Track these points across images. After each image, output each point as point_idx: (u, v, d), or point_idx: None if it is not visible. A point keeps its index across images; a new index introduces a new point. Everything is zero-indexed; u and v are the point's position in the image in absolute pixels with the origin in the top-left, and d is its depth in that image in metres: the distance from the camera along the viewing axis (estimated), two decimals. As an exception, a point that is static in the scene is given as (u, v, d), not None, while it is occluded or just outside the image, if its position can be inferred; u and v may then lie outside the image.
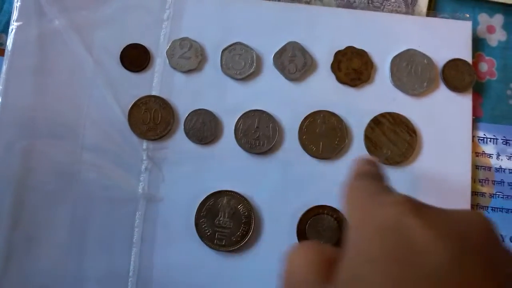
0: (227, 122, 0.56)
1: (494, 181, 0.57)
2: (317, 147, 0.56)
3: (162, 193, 0.55)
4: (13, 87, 0.56)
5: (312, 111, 0.57)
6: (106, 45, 0.57)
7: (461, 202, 0.55)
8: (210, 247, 0.54)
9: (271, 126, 0.56)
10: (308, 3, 0.59)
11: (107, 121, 0.56)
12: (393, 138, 0.56)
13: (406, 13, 0.59)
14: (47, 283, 0.53)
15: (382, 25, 0.59)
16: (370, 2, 0.60)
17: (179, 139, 0.56)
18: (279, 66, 0.57)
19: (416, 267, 0.27)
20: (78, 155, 0.55)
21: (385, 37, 0.59)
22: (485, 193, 0.57)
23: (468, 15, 0.59)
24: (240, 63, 0.57)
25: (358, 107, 0.57)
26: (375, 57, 0.58)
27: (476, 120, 0.58)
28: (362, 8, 0.60)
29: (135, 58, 0.57)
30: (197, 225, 0.54)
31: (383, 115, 0.57)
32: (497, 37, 0.60)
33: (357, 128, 0.57)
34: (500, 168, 0.57)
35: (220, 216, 0.54)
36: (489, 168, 0.57)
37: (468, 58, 0.58)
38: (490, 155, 0.57)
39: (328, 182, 0.55)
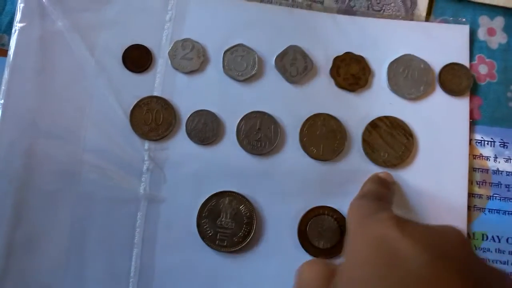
0: (229, 123, 0.56)
1: (491, 183, 0.58)
2: (318, 149, 0.56)
3: (163, 193, 0.55)
4: (15, 88, 0.55)
5: (312, 113, 0.57)
6: (108, 46, 0.57)
7: (458, 204, 0.56)
8: (212, 247, 0.54)
9: (272, 127, 0.56)
10: (309, 6, 0.60)
11: (109, 122, 0.56)
12: (390, 141, 0.57)
13: (406, 17, 0.60)
14: (48, 283, 0.53)
15: (379, 31, 0.59)
16: (370, 6, 0.60)
17: (181, 140, 0.56)
18: (281, 69, 0.57)
19: (399, 270, 0.33)
20: (80, 155, 0.55)
21: (382, 42, 0.59)
22: (482, 195, 0.57)
23: (465, 19, 0.60)
24: (242, 64, 0.57)
25: (356, 111, 0.58)
26: (373, 63, 0.59)
27: (473, 122, 0.58)
28: (362, 12, 0.60)
29: (137, 59, 0.57)
30: (198, 225, 0.54)
31: (380, 118, 0.57)
32: (497, 40, 0.61)
33: (355, 131, 0.57)
34: (498, 170, 0.58)
35: (222, 217, 0.54)
36: (487, 170, 0.58)
37: (466, 62, 0.59)
38: (487, 158, 0.58)
39: (328, 183, 0.56)
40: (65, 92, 0.56)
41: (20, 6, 0.57)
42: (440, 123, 0.58)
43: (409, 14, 0.60)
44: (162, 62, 0.57)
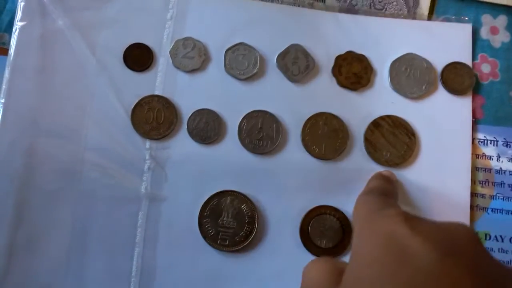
0: (230, 122, 0.56)
1: (494, 182, 0.57)
2: (320, 148, 0.56)
3: (165, 193, 0.55)
4: (16, 87, 0.55)
5: (314, 112, 0.57)
6: (109, 45, 0.57)
7: (461, 203, 0.56)
8: (214, 247, 0.54)
9: (274, 126, 0.56)
10: (311, 5, 0.60)
11: (110, 121, 0.56)
12: (392, 140, 0.56)
13: (408, 15, 0.60)
14: (49, 282, 0.53)
15: (381, 30, 0.59)
16: (372, 5, 0.60)
17: (182, 139, 0.56)
18: (283, 68, 0.57)
19: (408, 267, 0.33)
20: (81, 154, 0.55)
21: (384, 41, 0.59)
22: (485, 194, 0.57)
23: (467, 18, 0.60)
24: (244, 63, 0.57)
25: (358, 110, 0.58)
26: (375, 62, 0.59)
27: (476, 122, 0.58)
28: (364, 11, 0.60)
29: (138, 57, 0.57)
30: (200, 225, 0.54)
31: (382, 117, 0.57)
32: (500, 39, 0.61)
33: (358, 131, 0.57)
34: (501, 169, 0.58)
35: (224, 216, 0.54)
36: (490, 169, 0.58)
37: (468, 61, 0.59)
38: (490, 157, 0.58)
39: (330, 183, 0.56)
40: (66, 91, 0.56)
41: (20, 4, 0.57)
42: (443, 122, 0.57)
43: (411, 12, 0.60)
44: (163, 61, 0.57)
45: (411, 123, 0.57)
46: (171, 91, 0.57)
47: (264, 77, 0.58)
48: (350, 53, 0.58)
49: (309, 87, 0.58)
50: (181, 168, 0.56)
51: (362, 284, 0.34)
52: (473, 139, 0.57)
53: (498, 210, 0.57)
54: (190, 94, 0.57)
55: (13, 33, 0.56)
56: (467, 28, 0.60)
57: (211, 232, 0.54)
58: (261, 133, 0.56)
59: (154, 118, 0.55)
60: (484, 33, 0.61)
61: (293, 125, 0.57)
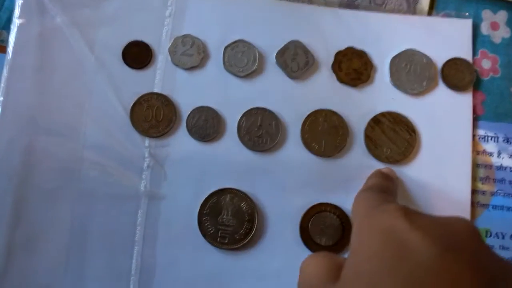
0: (229, 120, 0.56)
1: (495, 179, 0.57)
2: (319, 145, 0.56)
3: (164, 191, 0.55)
4: (14, 85, 0.55)
5: (314, 109, 0.57)
6: (108, 43, 0.57)
7: (462, 200, 0.56)
8: (213, 245, 0.54)
9: (274, 124, 0.56)
10: (310, 1, 0.59)
11: (109, 119, 0.55)
12: (393, 137, 0.56)
13: (408, 11, 0.60)
14: (48, 281, 0.53)
15: (381, 25, 0.59)
16: (372, 0, 0.60)
17: (182, 137, 0.56)
18: (282, 64, 0.57)
19: (408, 262, 0.32)
20: (80, 152, 0.55)
21: (384, 37, 0.59)
22: (485, 191, 0.57)
23: (467, 14, 0.60)
24: (243, 60, 0.57)
25: (358, 106, 0.57)
26: (375, 58, 0.59)
27: (477, 118, 0.58)
28: (364, 7, 0.60)
29: (137, 55, 0.57)
30: (200, 223, 0.54)
31: (383, 114, 0.57)
32: (501, 34, 0.60)
33: (358, 127, 0.57)
34: (501, 166, 0.57)
35: (223, 214, 0.54)
36: (490, 166, 0.57)
37: (469, 57, 0.58)
38: (491, 154, 0.58)
39: (330, 180, 0.56)
40: (64, 88, 0.56)
41: (18, 2, 0.56)
42: (443, 119, 0.57)
43: (411, 8, 0.60)
44: (162, 58, 0.57)
45: (411, 119, 0.57)
46: (170, 89, 0.56)
47: (263, 74, 0.57)
48: (350, 49, 0.58)
49: (309, 83, 0.58)
50: (181, 166, 0.55)
51: (361, 278, 0.34)
52: (473, 136, 0.57)
53: (499, 207, 0.57)
54: (189, 91, 0.57)
55: (11, 31, 0.56)
56: (468, 23, 0.59)
57: (211, 230, 0.54)
58: (261, 131, 0.55)
59: (153, 116, 0.55)
60: (484, 28, 0.60)
61: (293, 122, 0.57)
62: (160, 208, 0.55)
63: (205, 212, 0.54)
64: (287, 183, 0.56)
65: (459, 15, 0.60)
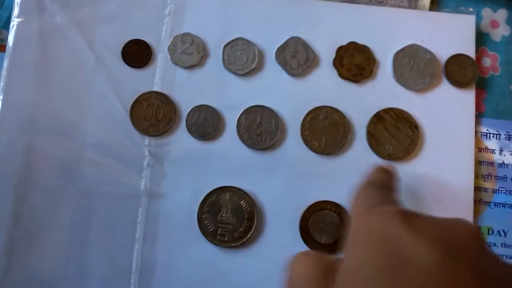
0: (229, 118, 0.56)
1: (497, 176, 0.57)
2: (320, 142, 0.56)
3: (164, 189, 0.55)
4: (14, 84, 0.55)
5: (314, 106, 0.56)
6: (108, 41, 0.57)
7: (464, 197, 0.55)
8: (213, 243, 0.54)
9: (273, 121, 0.56)
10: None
11: (109, 118, 0.56)
12: (395, 133, 0.56)
13: (409, 7, 0.59)
14: (49, 279, 0.53)
15: (384, 20, 0.59)
16: (372, -3, 0.60)
17: (181, 135, 0.56)
18: (281, 62, 0.57)
19: (407, 269, 0.32)
20: (80, 151, 0.55)
21: (387, 32, 0.58)
22: (487, 188, 0.57)
23: (471, 9, 0.59)
24: (242, 58, 0.57)
25: (360, 102, 0.57)
26: (377, 53, 0.58)
27: (478, 115, 0.58)
28: (365, 3, 0.59)
29: (137, 54, 0.57)
30: (199, 221, 0.54)
31: (385, 110, 0.56)
32: (500, 32, 0.60)
33: (360, 124, 0.57)
34: (503, 163, 0.57)
35: (223, 212, 0.54)
36: (492, 163, 0.57)
37: (472, 53, 0.58)
38: (493, 151, 0.57)
39: (330, 178, 0.56)
40: (64, 87, 0.56)
41: (17, 1, 0.57)
42: (446, 115, 0.57)
43: (412, 5, 0.59)
44: (161, 57, 0.57)
45: (414, 116, 0.57)
46: (170, 88, 0.57)
47: (263, 71, 0.57)
48: (352, 44, 0.58)
49: (309, 80, 0.57)
50: (180, 164, 0.55)
51: (358, 281, 0.33)
52: (475, 133, 0.57)
53: (501, 204, 0.56)
54: (188, 90, 0.57)
55: (10, 30, 0.56)
56: (471, 19, 0.59)
57: (210, 228, 0.54)
58: (260, 128, 0.55)
59: (153, 115, 0.55)
60: (484, 26, 0.60)
61: (293, 119, 0.56)
62: (160, 206, 0.55)
63: (204, 210, 0.54)
64: (287, 181, 0.55)
65: (462, 11, 0.59)
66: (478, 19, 0.60)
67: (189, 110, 0.56)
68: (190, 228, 0.54)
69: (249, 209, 0.54)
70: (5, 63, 0.56)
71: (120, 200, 0.54)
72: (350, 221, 0.40)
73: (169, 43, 0.57)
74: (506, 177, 0.57)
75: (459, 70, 0.57)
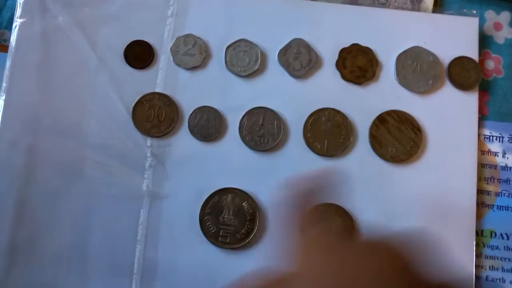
0: (231, 119, 0.56)
1: (500, 179, 0.57)
2: (322, 144, 0.55)
3: (166, 190, 0.55)
4: (16, 84, 0.55)
5: (316, 108, 0.56)
6: (110, 42, 0.57)
7: (467, 200, 0.55)
8: (215, 244, 0.54)
9: (275, 123, 0.55)
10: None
11: (111, 118, 0.56)
12: (398, 136, 0.56)
13: (412, 9, 0.59)
14: (51, 280, 0.53)
15: (387, 22, 0.59)
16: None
17: (183, 136, 0.56)
18: (284, 63, 0.57)
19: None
20: (82, 152, 0.55)
21: (390, 34, 0.58)
22: (490, 191, 0.56)
23: (474, 12, 0.59)
24: (245, 60, 0.57)
25: (363, 104, 0.57)
26: (380, 55, 0.58)
27: (482, 118, 0.57)
28: (368, 5, 0.59)
29: (139, 55, 0.57)
30: (201, 222, 0.54)
31: (388, 113, 0.56)
32: (504, 35, 0.60)
33: (362, 126, 0.57)
34: (506, 166, 0.57)
35: (225, 214, 0.54)
36: (495, 166, 0.57)
37: (475, 56, 0.58)
38: (496, 153, 0.57)
39: (333, 180, 0.55)
40: (66, 88, 0.56)
41: (20, 1, 0.57)
42: (449, 118, 0.57)
43: (415, 7, 0.59)
44: (164, 58, 0.57)
45: (417, 118, 0.56)
46: (172, 89, 0.56)
47: (265, 73, 0.57)
48: (355, 46, 0.58)
49: (312, 82, 0.57)
50: (182, 165, 0.55)
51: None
52: (478, 135, 0.56)
53: (504, 207, 0.56)
54: (191, 91, 0.57)
55: (12, 30, 0.56)
56: (474, 22, 0.59)
57: (212, 230, 0.54)
58: (262, 130, 0.55)
59: (155, 116, 0.55)
60: (487, 29, 0.60)
61: (295, 121, 0.56)
62: (162, 207, 0.55)
63: (206, 211, 0.54)
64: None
65: (465, 13, 0.59)
66: (482, 21, 0.60)
67: (191, 112, 0.56)
68: (192, 229, 0.54)
69: (251, 210, 0.54)
70: (8, 64, 0.56)
71: (122, 201, 0.54)
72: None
73: (172, 44, 0.57)
74: (509, 180, 0.57)
75: (462, 73, 0.57)
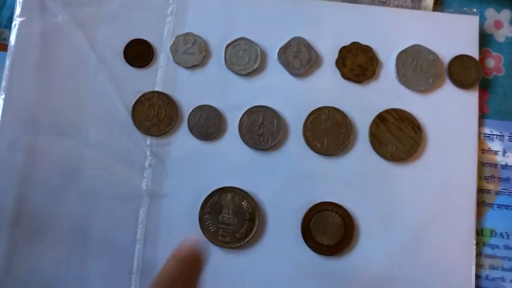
0: (231, 118, 0.56)
1: (500, 178, 0.57)
2: (322, 143, 0.55)
3: (165, 189, 0.55)
4: (16, 83, 0.55)
5: (316, 107, 0.56)
6: (110, 41, 0.57)
7: (467, 199, 0.55)
8: (214, 243, 0.54)
9: (275, 122, 0.55)
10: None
11: (111, 117, 0.56)
12: (398, 134, 0.56)
13: (412, 8, 0.59)
14: (50, 279, 0.53)
15: (387, 20, 0.58)
16: (375, -2, 0.60)
17: (183, 135, 0.56)
18: (284, 62, 0.57)
19: None
20: (82, 151, 0.55)
21: (390, 32, 0.58)
22: (490, 190, 0.56)
23: (475, 10, 0.59)
24: (244, 58, 0.56)
25: (363, 103, 0.57)
26: (380, 53, 0.58)
27: (482, 116, 0.57)
28: (368, 3, 0.59)
29: (139, 53, 0.57)
30: (201, 221, 0.54)
31: (388, 111, 0.56)
32: (504, 33, 0.60)
33: (362, 124, 0.56)
34: (506, 165, 0.57)
35: (224, 213, 0.54)
36: (495, 165, 0.57)
37: (475, 54, 0.57)
38: (496, 152, 0.57)
39: (333, 178, 0.55)
40: (66, 87, 0.56)
41: (19, 0, 0.57)
42: (449, 116, 0.57)
43: (415, 5, 0.59)
44: (163, 56, 0.57)
45: (417, 116, 0.56)
46: (172, 87, 0.56)
47: (265, 72, 0.57)
48: (355, 44, 0.58)
49: (312, 80, 0.57)
50: (182, 164, 0.55)
51: None
52: (479, 134, 0.56)
53: (504, 206, 0.56)
54: (190, 90, 0.57)
55: (12, 29, 0.56)
56: (474, 20, 0.58)
57: (212, 229, 0.54)
58: (262, 129, 0.55)
59: (154, 115, 0.55)
60: (488, 27, 0.60)
61: (295, 120, 0.56)
62: (162, 206, 0.55)
63: (206, 210, 0.54)
64: (289, 182, 0.55)
65: (466, 12, 0.59)
66: (482, 20, 0.60)
67: (191, 110, 0.56)
68: (191, 228, 0.54)
69: (250, 209, 0.54)
70: (7, 63, 0.56)
71: (121, 200, 0.54)
72: None
73: (171, 42, 0.57)
74: (509, 179, 0.57)
75: (463, 71, 0.57)
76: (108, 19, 0.57)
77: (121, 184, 0.55)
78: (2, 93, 0.55)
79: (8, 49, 0.56)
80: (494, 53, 0.59)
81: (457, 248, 0.54)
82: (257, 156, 0.56)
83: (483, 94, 0.58)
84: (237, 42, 0.57)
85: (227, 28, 0.58)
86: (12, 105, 0.55)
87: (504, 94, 0.58)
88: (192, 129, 0.55)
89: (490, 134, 0.57)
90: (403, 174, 0.55)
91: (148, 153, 0.55)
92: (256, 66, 0.56)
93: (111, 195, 0.54)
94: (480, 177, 0.56)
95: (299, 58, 0.57)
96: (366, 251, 0.54)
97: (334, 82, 0.57)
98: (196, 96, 0.56)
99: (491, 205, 0.56)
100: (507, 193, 0.56)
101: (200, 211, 0.54)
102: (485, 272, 0.55)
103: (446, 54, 0.58)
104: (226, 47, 0.57)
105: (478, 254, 0.55)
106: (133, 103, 0.56)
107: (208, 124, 0.55)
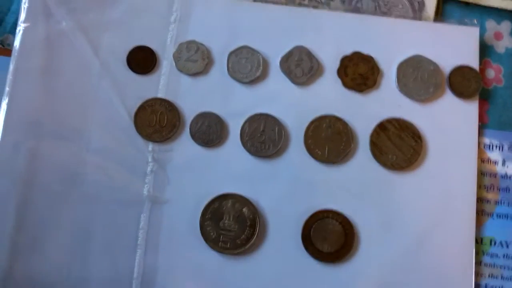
0: (232, 125, 0.56)
1: (500, 187, 0.57)
2: (323, 151, 0.56)
3: (167, 195, 0.55)
4: (19, 88, 0.56)
5: (318, 115, 0.56)
6: (113, 47, 0.57)
7: (466, 208, 0.55)
8: (215, 249, 0.54)
9: (276, 129, 0.56)
10: (315, 7, 0.59)
11: (113, 123, 0.56)
12: (399, 143, 0.56)
13: (414, 18, 0.59)
14: (51, 284, 0.53)
15: (389, 30, 0.59)
16: (377, 7, 0.60)
17: (185, 142, 0.56)
18: (286, 70, 0.57)
19: None
20: (84, 156, 0.55)
21: (392, 42, 0.59)
22: (490, 199, 0.57)
23: (476, 21, 0.59)
24: (247, 66, 0.57)
25: (364, 112, 0.57)
26: (382, 63, 0.58)
27: (482, 126, 0.58)
28: (370, 13, 0.59)
29: (142, 60, 0.57)
30: (201, 227, 0.54)
31: (388, 120, 0.56)
32: (504, 44, 0.60)
33: (363, 133, 0.57)
34: (506, 175, 0.57)
35: (225, 219, 0.54)
36: (495, 174, 0.57)
37: (475, 65, 0.58)
38: (495, 162, 0.57)
39: (333, 186, 0.55)
40: (69, 93, 0.56)
41: (24, 6, 0.57)
42: (449, 126, 0.57)
43: (416, 16, 0.59)
44: (166, 64, 0.57)
45: (417, 126, 0.56)
46: (174, 94, 0.57)
47: (267, 80, 0.57)
48: (356, 54, 0.58)
49: (313, 89, 0.57)
50: (183, 171, 0.55)
51: None
52: (478, 144, 0.57)
53: (503, 216, 0.56)
54: (193, 97, 0.57)
55: (16, 34, 0.57)
56: (475, 31, 0.59)
57: (213, 235, 0.54)
58: (263, 136, 0.55)
59: (157, 121, 0.55)
60: (488, 38, 0.60)
61: (296, 128, 0.56)
62: (163, 212, 0.55)
63: (207, 216, 0.54)
64: (290, 189, 0.55)
65: (466, 23, 0.59)
66: (482, 31, 0.60)
67: (193, 117, 0.56)
68: (192, 234, 0.54)
69: (251, 216, 0.54)
70: (11, 68, 0.56)
71: (123, 206, 0.54)
72: None
73: (174, 50, 0.57)
74: (509, 189, 0.57)
75: (463, 81, 0.57)
76: (112, 26, 0.58)
77: (122, 189, 0.55)
78: (5, 97, 0.55)
79: (12, 54, 0.56)
80: (494, 64, 0.60)
81: (456, 257, 0.54)
82: (258, 163, 0.56)
83: (483, 105, 0.58)
84: (240, 50, 0.57)
85: (230, 36, 0.58)
86: (16, 109, 0.55)
87: (504, 105, 0.59)
88: (194, 136, 0.56)
89: (490, 144, 0.57)
90: (403, 183, 0.56)
91: (150, 159, 0.55)
92: (258, 74, 0.57)
93: (112, 200, 0.54)
94: (480, 186, 0.56)
95: (301, 66, 0.57)
96: (366, 259, 0.54)
97: (336, 91, 0.57)
98: (198, 103, 0.56)
99: (490, 214, 0.56)
100: (506, 202, 0.56)
101: (201, 217, 0.54)
102: (484, 281, 0.55)
103: (447, 64, 0.58)
104: (228, 55, 0.57)
105: (478, 263, 0.55)
106: (135, 109, 0.56)
107: (210, 131, 0.56)
